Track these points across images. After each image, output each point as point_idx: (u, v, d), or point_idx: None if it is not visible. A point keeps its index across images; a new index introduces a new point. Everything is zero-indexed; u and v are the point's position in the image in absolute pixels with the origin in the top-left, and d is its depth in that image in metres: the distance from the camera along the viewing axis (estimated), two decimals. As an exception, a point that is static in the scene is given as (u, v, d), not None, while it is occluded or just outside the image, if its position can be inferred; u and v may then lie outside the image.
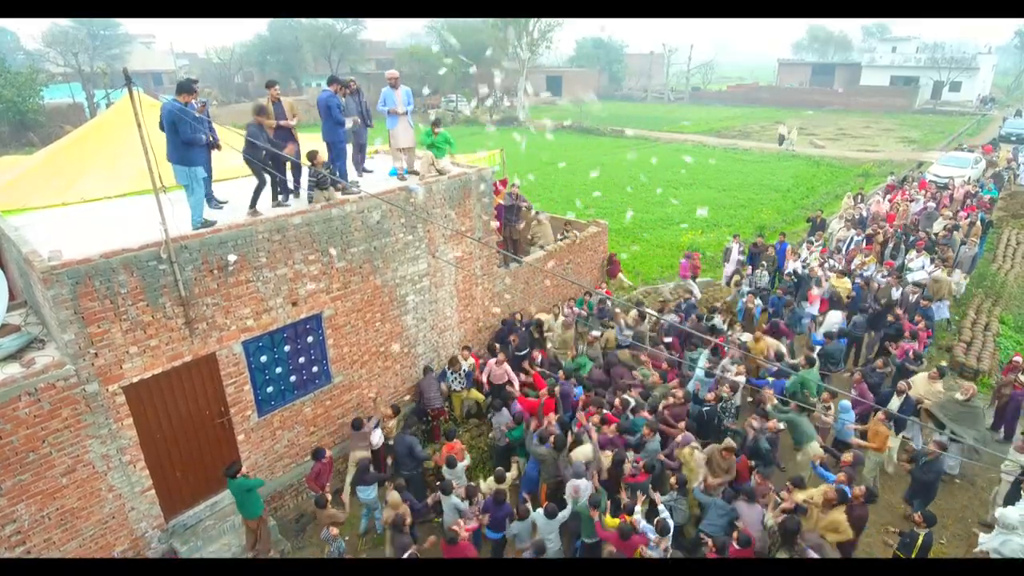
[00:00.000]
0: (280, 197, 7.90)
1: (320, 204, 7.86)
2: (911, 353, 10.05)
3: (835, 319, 11.28)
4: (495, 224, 10.83)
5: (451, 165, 9.90)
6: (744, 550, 6.22)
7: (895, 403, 8.76)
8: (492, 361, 9.76)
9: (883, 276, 13.16)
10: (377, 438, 8.44)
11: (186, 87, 6.77)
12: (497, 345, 10.12)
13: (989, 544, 6.59)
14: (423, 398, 9.34)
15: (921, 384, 9.10)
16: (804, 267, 13.61)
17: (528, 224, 12.70)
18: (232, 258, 6.92)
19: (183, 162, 6.73)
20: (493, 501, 7.16)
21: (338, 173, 8.42)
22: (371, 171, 9.93)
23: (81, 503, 6.44)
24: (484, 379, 9.78)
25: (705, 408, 8.72)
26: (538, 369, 9.91)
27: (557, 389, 9.07)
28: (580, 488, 7.11)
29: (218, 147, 7.51)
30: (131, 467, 6.73)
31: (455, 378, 9.62)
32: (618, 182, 25.89)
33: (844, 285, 12.46)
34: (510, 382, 9.58)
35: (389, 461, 8.62)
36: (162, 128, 6.70)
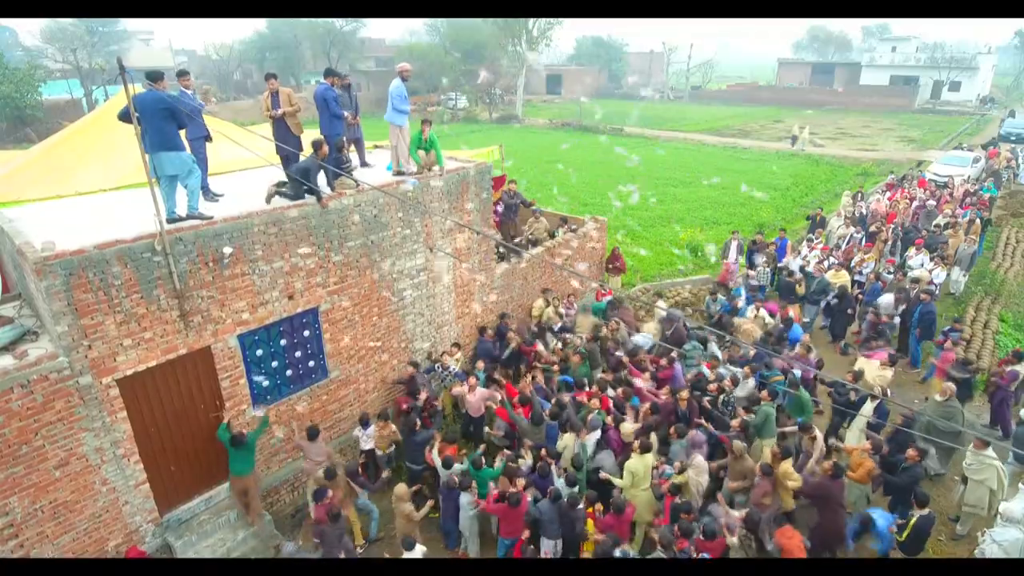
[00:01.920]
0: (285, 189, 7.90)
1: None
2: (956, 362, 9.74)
3: (887, 301, 11.42)
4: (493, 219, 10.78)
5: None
6: (709, 542, 6.35)
7: (868, 408, 8.54)
8: (464, 387, 9.04)
9: (888, 273, 13.12)
10: (368, 443, 8.41)
11: (154, 76, 6.60)
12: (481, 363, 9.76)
13: (991, 536, 6.58)
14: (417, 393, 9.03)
15: (872, 371, 9.12)
16: (806, 266, 13.53)
17: (524, 220, 12.69)
18: (228, 250, 6.87)
19: (178, 147, 6.59)
20: (539, 475, 7.45)
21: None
22: (371, 165, 9.88)
23: (74, 496, 6.39)
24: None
25: (707, 397, 8.78)
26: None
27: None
28: (590, 441, 7.79)
29: (209, 139, 7.46)
30: (125, 461, 6.68)
31: (446, 375, 9.55)
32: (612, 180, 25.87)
33: (843, 279, 12.46)
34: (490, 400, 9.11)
35: (385, 474, 8.34)
36: (139, 122, 6.40)
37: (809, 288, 12.62)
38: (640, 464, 7.36)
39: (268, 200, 7.58)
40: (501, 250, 11.40)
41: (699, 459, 7.63)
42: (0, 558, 6.00)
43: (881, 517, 7.05)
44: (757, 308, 11.33)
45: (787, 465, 7.37)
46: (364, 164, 9.74)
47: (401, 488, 7.39)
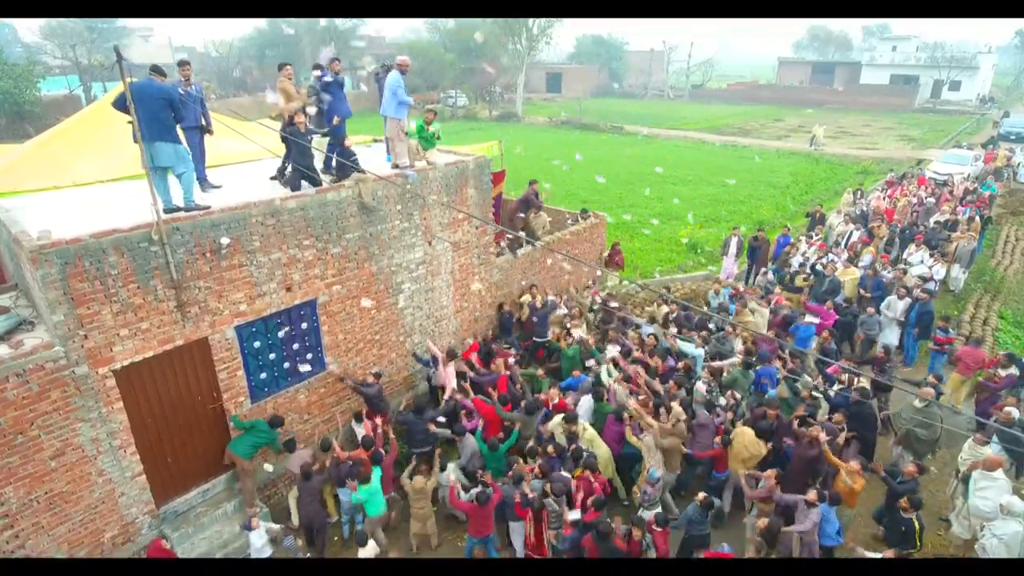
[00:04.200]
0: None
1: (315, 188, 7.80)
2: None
3: (899, 307, 11.26)
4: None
5: (439, 156, 9.74)
6: (664, 529, 6.59)
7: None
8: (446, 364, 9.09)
9: (887, 271, 13.06)
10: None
11: (157, 69, 6.67)
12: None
13: (991, 530, 6.56)
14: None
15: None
16: (812, 264, 13.44)
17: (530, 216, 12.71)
18: (225, 241, 6.83)
19: (173, 139, 6.63)
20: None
21: (332, 158, 8.34)
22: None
23: (70, 487, 6.36)
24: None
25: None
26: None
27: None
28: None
29: (210, 132, 7.43)
30: (121, 452, 6.65)
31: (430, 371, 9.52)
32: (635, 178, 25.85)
33: (853, 275, 12.46)
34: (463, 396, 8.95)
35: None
36: (136, 111, 6.31)
37: (821, 287, 12.53)
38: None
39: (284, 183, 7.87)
40: (503, 244, 11.40)
41: (648, 439, 7.76)
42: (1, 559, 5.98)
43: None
44: (765, 305, 11.27)
45: (748, 434, 7.69)
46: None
47: (419, 481, 7.39)
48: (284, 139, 7.91)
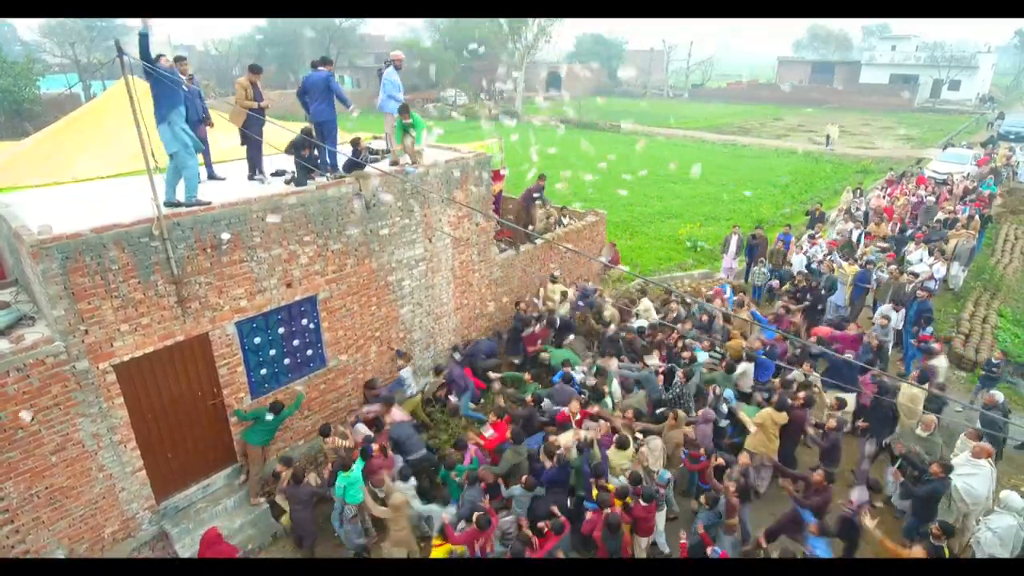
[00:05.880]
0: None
1: (315, 184, 7.81)
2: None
3: (895, 316, 11.02)
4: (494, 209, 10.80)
5: (438, 152, 9.69)
6: (650, 505, 6.60)
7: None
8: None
9: (882, 271, 13.06)
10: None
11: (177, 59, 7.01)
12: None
13: (986, 524, 6.58)
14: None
15: (903, 389, 8.68)
16: (815, 263, 13.43)
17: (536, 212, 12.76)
18: (226, 236, 6.84)
19: (165, 121, 6.68)
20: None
21: (328, 155, 8.33)
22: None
23: (71, 482, 6.36)
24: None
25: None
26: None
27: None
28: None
29: (210, 124, 7.46)
30: (122, 447, 6.65)
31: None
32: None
33: (855, 271, 12.52)
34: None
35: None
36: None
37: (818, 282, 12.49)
38: (614, 457, 7.53)
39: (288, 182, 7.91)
40: (502, 243, 11.42)
41: (656, 441, 7.63)
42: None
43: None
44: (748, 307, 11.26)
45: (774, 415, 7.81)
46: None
47: (398, 497, 6.92)
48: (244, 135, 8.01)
